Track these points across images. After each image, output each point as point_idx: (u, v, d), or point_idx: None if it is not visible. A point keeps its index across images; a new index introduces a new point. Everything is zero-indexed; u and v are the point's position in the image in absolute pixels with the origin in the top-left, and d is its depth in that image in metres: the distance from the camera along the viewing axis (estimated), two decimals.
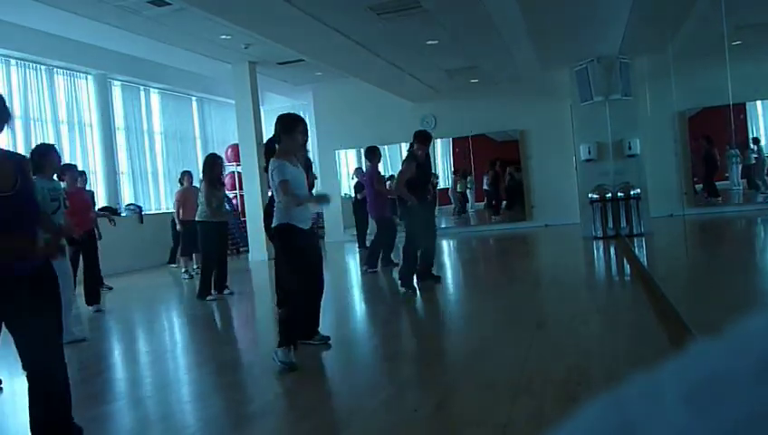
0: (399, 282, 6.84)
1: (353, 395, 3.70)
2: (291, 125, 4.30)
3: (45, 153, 5.39)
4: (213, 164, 7.47)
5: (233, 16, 8.02)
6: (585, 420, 0.29)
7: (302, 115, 15.07)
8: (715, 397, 0.25)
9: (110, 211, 10.09)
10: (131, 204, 12.65)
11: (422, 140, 6.87)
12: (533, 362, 3.77)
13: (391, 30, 8.98)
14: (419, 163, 6.85)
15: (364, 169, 12.52)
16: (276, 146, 4.41)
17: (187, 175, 9.83)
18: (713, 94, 9.12)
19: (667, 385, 0.27)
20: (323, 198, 4.95)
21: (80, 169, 10.17)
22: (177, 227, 9.80)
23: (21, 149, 10.62)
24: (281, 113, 4.49)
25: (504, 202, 15.24)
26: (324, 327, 5.07)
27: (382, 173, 9.88)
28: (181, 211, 9.34)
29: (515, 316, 5.20)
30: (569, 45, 9.87)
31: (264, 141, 4.75)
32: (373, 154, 9.05)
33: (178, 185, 9.98)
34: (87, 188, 9.12)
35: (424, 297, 6.80)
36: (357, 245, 11.87)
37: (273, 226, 4.41)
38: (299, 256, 4.32)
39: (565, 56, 10.56)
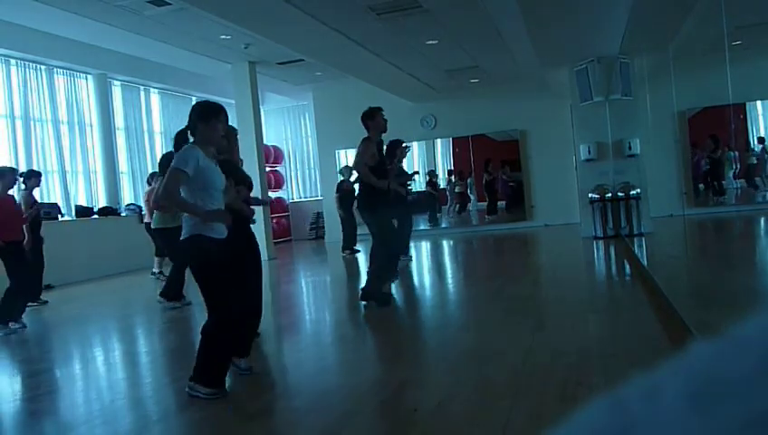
0: (361, 295, 6.02)
1: (353, 395, 3.70)
2: (209, 112, 3.63)
3: None
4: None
5: (233, 16, 8.02)
6: (585, 421, 0.29)
7: (303, 115, 14.99)
8: (716, 397, 0.25)
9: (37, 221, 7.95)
10: (131, 204, 12.66)
11: (365, 118, 5.94)
12: (533, 362, 3.77)
13: (391, 30, 8.98)
14: (378, 148, 5.96)
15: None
16: (191, 137, 3.69)
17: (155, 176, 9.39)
18: (713, 94, 9.11)
19: (668, 385, 0.27)
20: (223, 214, 3.56)
21: (80, 169, 10.10)
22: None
23: (21, 149, 10.63)
24: (198, 101, 3.90)
25: (504, 203, 15.22)
26: (324, 327, 5.07)
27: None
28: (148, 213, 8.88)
29: (515, 316, 5.20)
30: (569, 45, 9.87)
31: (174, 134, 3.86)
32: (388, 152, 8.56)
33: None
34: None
35: (422, 297, 6.80)
36: (345, 247, 11.34)
37: (182, 237, 3.54)
38: (217, 273, 3.48)
39: (565, 56, 10.56)
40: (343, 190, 11.21)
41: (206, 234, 3.45)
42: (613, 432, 0.27)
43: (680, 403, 0.26)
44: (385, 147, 6.51)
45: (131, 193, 13.00)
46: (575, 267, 8.27)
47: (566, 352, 3.91)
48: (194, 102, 16.35)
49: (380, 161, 5.95)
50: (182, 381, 4.28)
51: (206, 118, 3.60)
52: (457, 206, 15.34)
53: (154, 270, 9.52)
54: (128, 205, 12.58)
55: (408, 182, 9.38)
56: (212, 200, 3.51)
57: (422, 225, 14.62)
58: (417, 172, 13.10)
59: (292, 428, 3.18)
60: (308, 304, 7.31)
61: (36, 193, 7.94)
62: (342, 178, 11.39)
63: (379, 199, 5.83)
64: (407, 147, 8.61)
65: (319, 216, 16.16)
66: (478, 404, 3.15)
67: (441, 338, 5.04)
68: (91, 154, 11.95)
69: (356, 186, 7.41)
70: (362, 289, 5.98)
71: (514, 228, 14.06)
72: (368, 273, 6.15)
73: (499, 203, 15.19)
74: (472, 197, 15.25)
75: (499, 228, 14.53)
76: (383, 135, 6.01)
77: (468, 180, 15.16)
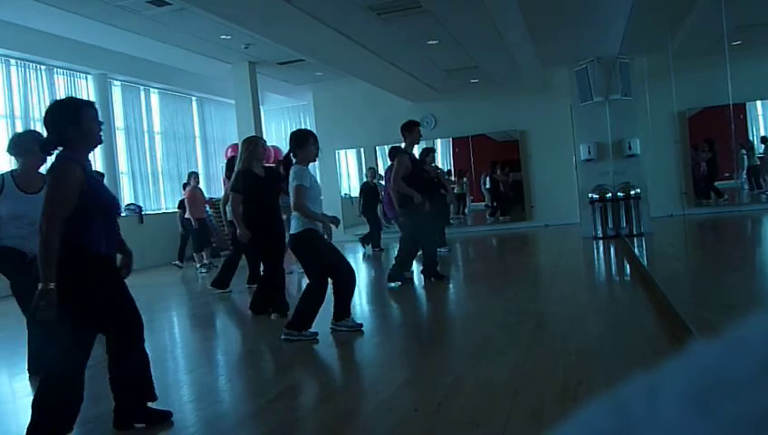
0: (423, 274, 7.19)
1: (353, 395, 3.70)
2: (303, 139, 4.90)
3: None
4: None
5: (233, 16, 8.01)
6: (585, 421, 0.29)
7: (303, 115, 15.23)
8: (716, 397, 0.25)
9: None
10: (131, 204, 12.66)
11: (404, 129, 6.92)
12: (533, 362, 3.77)
13: (391, 30, 8.97)
14: (412, 160, 6.98)
15: (381, 169, 12.54)
16: (293, 159, 4.90)
17: (194, 175, 10.62)
18: (713, 94, 9.11)
19: (668, 385, 0.27)
20: (334, 220, 5.06)
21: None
22: (193, 224, 10.51)
23: None
24: (292, 131, 5.18)
25: (496, 204, 15.19)
26: (324, 327, 5.09)
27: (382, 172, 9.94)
28: (192, 209, 10.30)
29: (515, 316, 5.20)
30: (569, 45, 9.87)
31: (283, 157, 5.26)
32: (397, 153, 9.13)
33: (182, 185, 10.63)
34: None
35: (424, 297, 6.80)
36: (371, 246, 11.58)
37: (292, 232, 4.82)
38: (320, 251, 4.81)
39: (565, 56, 10.56)
40: (367, 191, 11.33)
41: (313, 228, 4.75)
42: (613, 433, 0.27)
43: (680, 403, 0.26)
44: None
45: (131, 193, 12.99)
46: (575, 267, 8.27)
47: (566, 352, 3.91)
48: (194, 102, 16.24)
49: (414, 171, 6.87)
50: (183, 381, 4.28)
51: (302, 143, 4.89)
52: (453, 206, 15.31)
53: (205, 262, 10.53)
54: (128, 205, 12.58)
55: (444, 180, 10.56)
56: (317, 203, 4.88)
57: None
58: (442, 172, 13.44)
59: (293, 428, 3.18)
60: None
61: None
62: (366, 180, 11.51)
63: (409, 201, 6.78)
64: (433, 150, 10.03)
65: None
66: (478, 404, 3.15)
67: (441, 338, 5.04)
68: (90, 154, 11.93)
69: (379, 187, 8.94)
70: (388, 273, 7.19)
71: (514, 228, 14.06)
72: (395, 259, 7.23)
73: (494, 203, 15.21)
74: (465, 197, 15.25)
75: (499, 229, 14.52)
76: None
77: (463, 180, 15.15)
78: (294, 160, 4.88)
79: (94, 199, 2.95)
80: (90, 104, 3.10)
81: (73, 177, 2.89)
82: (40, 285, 2.76)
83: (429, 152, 9.52)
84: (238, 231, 5.95)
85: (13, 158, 4.48)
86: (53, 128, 2.97)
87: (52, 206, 2.85)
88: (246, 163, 5.98)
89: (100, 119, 3.18)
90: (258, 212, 5.88)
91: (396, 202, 7.12)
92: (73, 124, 2.94)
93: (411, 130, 6.87)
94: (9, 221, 4.18)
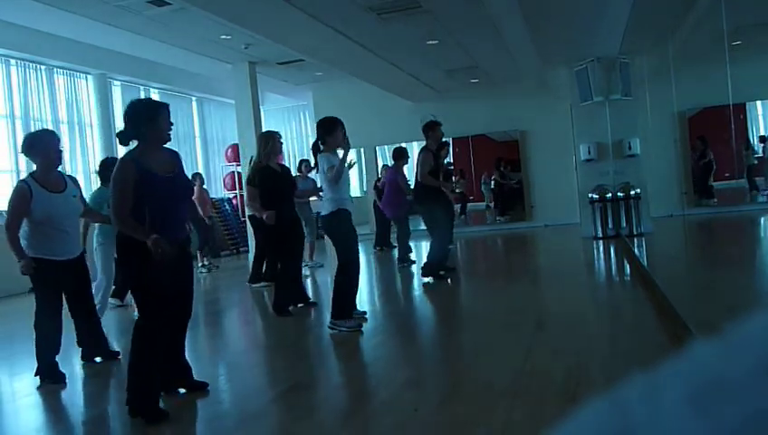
0: (422, 272, 7.22)
1: (353, 395, 3.70)
2: (332, 125, 5.04)
3: (112, 166, 5.83)
4: None
5: (233, 16, 8.01)
6: (585, 421, 0.29)
7: (303, 115, 15.26)
8: (716, 397, 0.25)
9: None
10: None
11: (426, 129, 7.29)
12: (533, 362, 3.76)
13: (391, 30, 8.97)
14: (434, 158, 7.24)
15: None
16: (321, 146, 5.10)
17: (199, 176, 10.77)
18: (713, 94, 9.10)
19: (668, 386, 0.27)
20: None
21: (80, 169, 10.33)
22: (208, 221, 10.68)
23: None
24: (319, 119, 5.27)
25: (493, 203, 15.18)
26: (324, 327, 5.08)
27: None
28: (202, 209, 10.41)
29: (515, 316, 5.20)
30: (569, 45, 9.87)
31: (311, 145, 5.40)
32: (400, 155, 9.19)
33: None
34: None
35: (424, 297, 6.80)
36: (373, 244, 11.69)
37: (326, 213, 5.05)
38: (353, 232, 5.10)
39: (565, 56, 10.55)
40: (380, 188, 11.39)
41: (345, 207, 5.01)
42: (613, 433, 0.27)
43: (680, 404, 0.26)
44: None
45: None
46: (575, 267, 8.26)
47: (566, 352, 3.91)
48: (194, 102, 16.18)
49: (435, 167, 7.19)
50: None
51: (331, 130, 5.02)
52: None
53: (205, 262, 10.65)
54: None
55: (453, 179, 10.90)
56: (347, 186, 5.18)
57: (421, 225, 14.60)
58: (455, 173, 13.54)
59: (293, 428, 3.18)
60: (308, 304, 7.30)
61: None
62: (380, 177, 11.58)
63: (431, 197, 7.08)
64: (447, 143, 10.05)
65: (319, 216, 16.14)
66: (478, 404, 3.15)
67: (441, 338, 5.04)
68: (91, 154, 11.94)
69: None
70: (422, 267, 7.31)
71: (514, 228, 14.06)
72: (428, 255, 7.40)
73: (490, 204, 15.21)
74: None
75: (498, 229, 14.52)
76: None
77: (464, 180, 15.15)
78: (322, 148, 5.06)
79: (147, 189, 3.28)
80: (165, 106, 3.64)
81: (124, 177, 3.28)
82: (149, 242, 3.17)
83: (444, 146, 9.52)
84: (264, 216, 5.87)
85: (28, 159, 4.44)
86: (131, 124, 3.41)
87: (115, 205, 3.28)
88: (266, 159, 5.98)
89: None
90: (272, 207, 5.87)
91: (391, 201, 7.66)
92: (149, 122, 3.40)
93: (434, 130, 7.26)
94: (39, 224, 4.12)
